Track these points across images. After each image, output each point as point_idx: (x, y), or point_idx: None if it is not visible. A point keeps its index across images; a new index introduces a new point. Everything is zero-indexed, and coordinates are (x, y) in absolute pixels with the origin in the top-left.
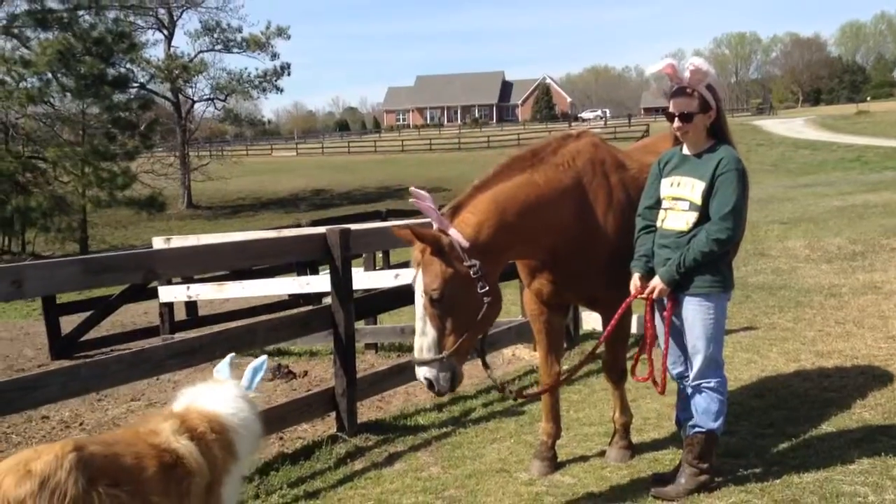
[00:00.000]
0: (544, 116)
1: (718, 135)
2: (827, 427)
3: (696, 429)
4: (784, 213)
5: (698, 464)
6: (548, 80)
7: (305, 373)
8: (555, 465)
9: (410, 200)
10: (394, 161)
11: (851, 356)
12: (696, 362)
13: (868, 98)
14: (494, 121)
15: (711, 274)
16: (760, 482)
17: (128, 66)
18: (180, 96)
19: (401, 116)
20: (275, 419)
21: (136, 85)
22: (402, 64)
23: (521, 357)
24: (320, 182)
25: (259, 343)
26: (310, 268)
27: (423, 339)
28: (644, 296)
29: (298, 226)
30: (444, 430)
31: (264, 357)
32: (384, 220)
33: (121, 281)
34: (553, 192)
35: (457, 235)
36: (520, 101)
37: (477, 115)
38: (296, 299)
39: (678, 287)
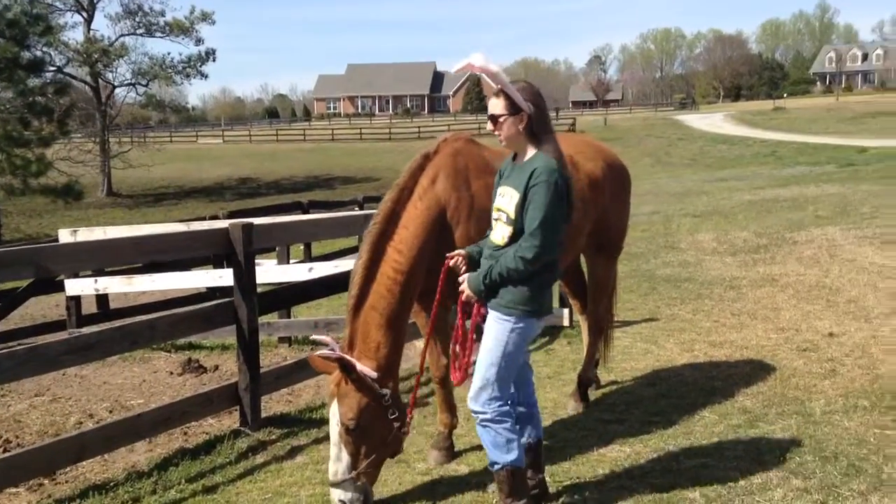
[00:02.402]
0: (475, 108)
1: (535, 140)
2: (710, 414)
3: (496, 466)
4: (698, 207)
5: (512, 502)
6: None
7: (216, 367)
8: (452, 454)
9: (321, 353)
10: (323, 150)
11: (742, 346)
12: (474, 379)
13: (785, 95)
14: (426, 111)
15: (516, 293)
16: (642, 468)
17: (44, 49)
18: (100, 81)
19: (331, 105)
20: (177, 414)
21: (52, 69)
22: (333, 52)
23: None
24: (247, 170)
25: (159, 338)
26: (227, 260)
27: (338, 464)
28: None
29: (216, 218)
30: None
31: None
32: (305, 212)
33: (12, 277)
34: (419, 251)
35: (364, 368)
36: (451, 92)
37: (408, 105)
38: (212, 292)
39: (486, 296)
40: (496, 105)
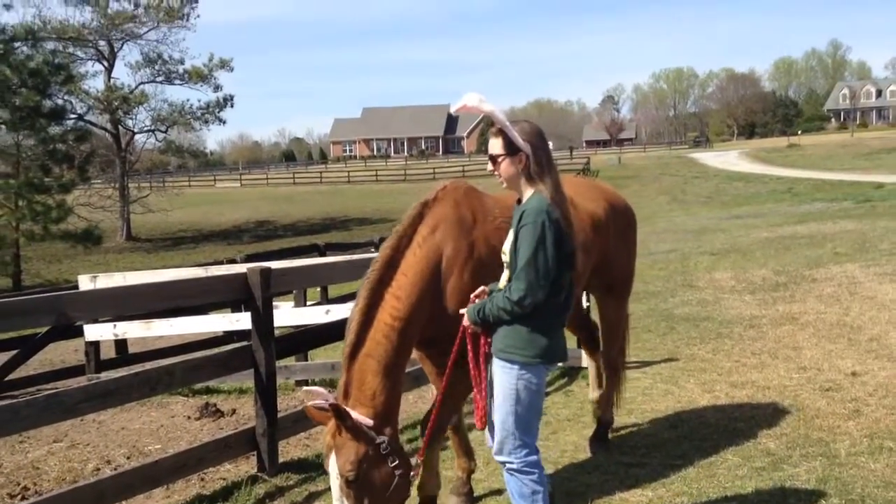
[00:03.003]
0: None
1: (534, 181)
2: (733, 457)
3: None
4: (715, 245)
5: None
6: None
7: (234, 411)
8: (471, 500)
9: (308, 403)
10: (339, 192)
11: (764, 386)
12: (496, 432)
13: (799, 132)
14: (440, 152)
15: (515, 338)
16: None
17: (65, 97)
18: (120, 128)
19: (347, 147)
20: (194, 460)
21: (73, 116)
22: (349, 96)
23: None
24: (264, 213)
25: (177, 384)
26: (245, 304)
27: None
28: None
29: (234, 261)
30: None
31: None
32: (322, 254)
33: (33, 324)
34: (418, 298)
35: (359, 416)
36: (465, 133)
37: (423, 146)
38: (229, 336)
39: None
40: (494, 145)
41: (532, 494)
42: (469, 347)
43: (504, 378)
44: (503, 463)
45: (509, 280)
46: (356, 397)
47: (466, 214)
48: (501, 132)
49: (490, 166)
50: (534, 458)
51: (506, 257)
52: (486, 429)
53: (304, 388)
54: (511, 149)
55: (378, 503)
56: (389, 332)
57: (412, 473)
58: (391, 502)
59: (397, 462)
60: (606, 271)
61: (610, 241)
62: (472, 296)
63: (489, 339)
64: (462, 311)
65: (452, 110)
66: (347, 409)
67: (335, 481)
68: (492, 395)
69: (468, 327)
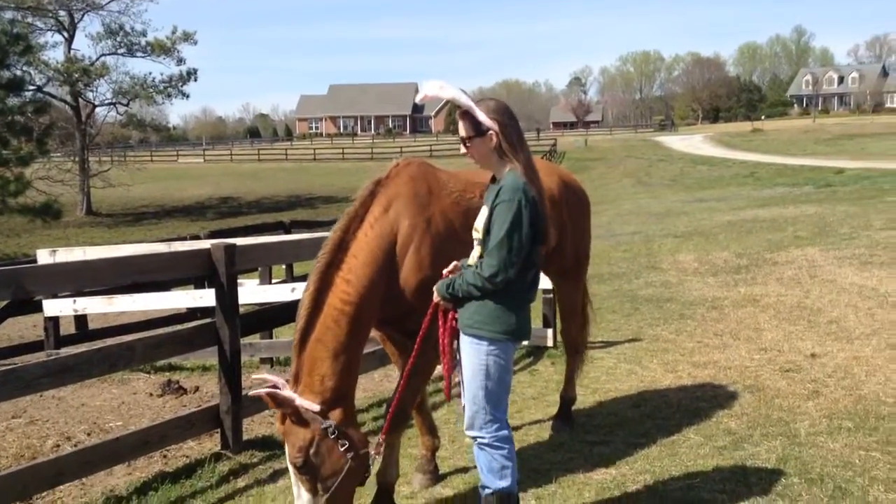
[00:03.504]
0: (457, 128)
1: (506, 159)
2: (695, 436)
3: (486, 490)
4: (679, 227)
5: None
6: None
7: (197, 388)
8: (436, 477)
9: (252, 392)
10: (305, 169)
11: (725, 367)
12: (466, 408)
13: (763, 117)
14: (408, 131)
15: (484, 314)
16: (628, 492)
17: (24, 68)
18: (80, 100)
19: (314, 125)
20: (157, 437)
21: (32, 88)
22: (315, 73)
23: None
24: (228, 190)
25: (139, 360)
26: (208, 281)
27: (300, 502)
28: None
29: (197, 237)
30: None
31: None
32: (287, 231)
33: None
34: (370, 281)
35: (304, 402)
36: (433, 113)
37: (391, 125)
38: (193, 313)
39: (459, 323)
40: (462, 128)
41: (501, 469)
42: (440, 322)
43: (473, 354)
44: (474, 438)
45: (480, 256)
46: (306, 383)
47: (421, 190)
48: (467, 114)
49: (462, 149)
50: (504, 433)
51: (478, 234)
52: (460, 404)
53: (253, 375)
54: (479, 129)
55: (331, 487)
56: (339, 316)
57: (372, 453)
58: (345, 485)
59: (347, 445)
60: (562, 252)
61: (565, 220)
62: (444, 271)
63: (456, 315)
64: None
65: (417, 99)
66: (293, 395)
67: (290, 465)
68: (459, 370)
69: (438, 303)
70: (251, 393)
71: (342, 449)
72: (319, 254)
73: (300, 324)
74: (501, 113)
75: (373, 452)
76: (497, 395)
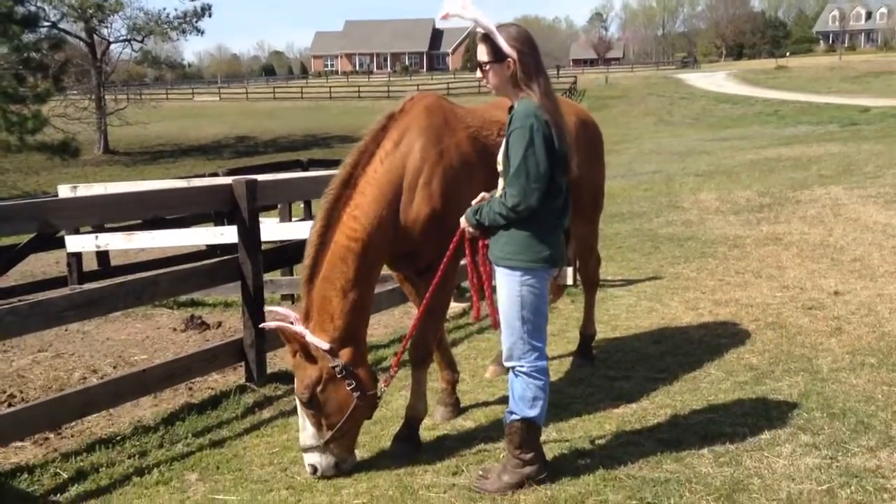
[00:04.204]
0: (474, 65)
1: (522, 87)
2: (716, 371)
3: (513, 416)
4: (700, 166)
5: (520, 454)
6: (479, 29)
7: (220, 324)
8: (457, 410)
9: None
10: (321, 108)
11: (747, 304)
12: (504, 340)
13: (788, 53)
14: (424, 69)
15: (515, 244)
16: (649, 425)
17: (38, 3)
18: (95, 37)
19: (329, 62)
20: (182, 370)
21: (47, 24)
22: (331, 8)
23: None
24: (244, 129)
25: (162, 295)
26: (228, 218)
27: (304, 434)
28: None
29: (216, 175)
30: None
31: None
32: (305, 169)
33: (14, 231)
34: (378, 218)
35: (314, 339)
36: (450, 50)
37: (407, 62)
38: (213, 250)
39: (492, 255)
40: (481, 52)
41: (533, 399)
42: (467, 251)
43: (507, 285)
44: (512, 367)
45: (505, 186)
46: (316, 321)
47: (436, 121)
48: (487, 38)
49: (479, 74)
50: (543, 363)
51: (500, 166)
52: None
53: (268, 308)
54: (498, 55)
55: (336, 423)
56: (346, 253)
57: (382, 386)
58: (350, 423)
59: (355, 385)
60: (576, 188)
61: (581, 158)
62: (473, 202)
63: (486, 242)
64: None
65: (437, 18)
66: (303, 331)
67: (297, 400)
68: (490, 301)
69: (465, 231)
70: (263, 325)
71: (349, 388)
72: (327, 190)
73: (307, 261)
74: (522, 41)
75: (382, 385)
76: (534, 325)
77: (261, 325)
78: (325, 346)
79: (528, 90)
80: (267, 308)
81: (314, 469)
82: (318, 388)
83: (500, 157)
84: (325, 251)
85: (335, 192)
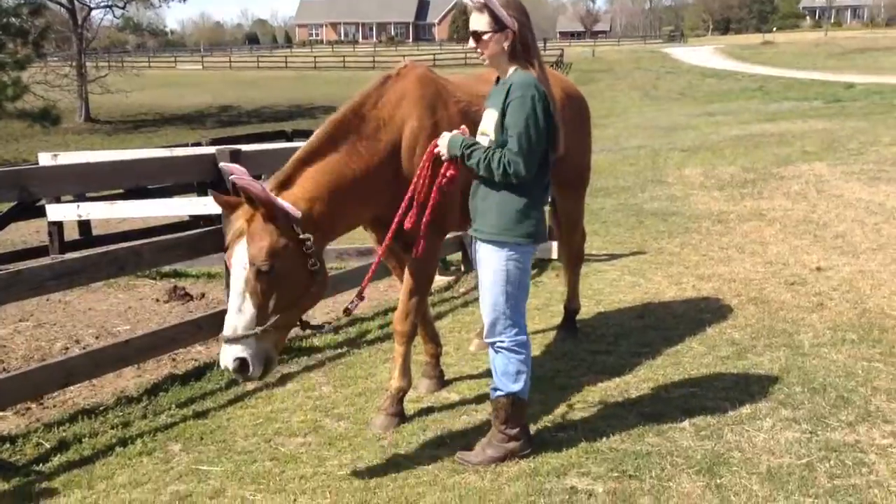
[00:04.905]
0: (461, 37)
1: (520, 59)
2: (698, 346)
3: (498, 392)
4: (686, 141)
5: (505, 430)
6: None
7: (203, 295)
8: (442, 382)
9: (232, 178)
10: (306, 78)
11: (730, 279)
12: (485, 315)
13: (774, 29)
14: (411, 39)
15: (505, 220)
16: (631, 398)
17: None
18: (76, 2)
19: (314, 31)
20: (165, 340)
21: None
22: None
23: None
24: (227, 98)
25: (146, 265)
26: (212, 187)
27: (240, 318)
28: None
29: (199, 145)
30: (340, 350)
31: None
32: (289, 140)
33: None
34: (376, 158)
35: (288, 206)
36: (437, 20)
37: (393, 32)
38: (195, 221)
39: (476, 230)
40: (479, 21)
41: (516, 374)
42: (426, 171)
43: (493, 260)
44: (493, 343)
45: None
46: (294, 192)
47: (429, 93)
48: (486, 7)
49: (472, 43)
50: (523, 338)
51: (485, 136)
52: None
53: (220, 165)
54: (498, 25)
55: (284, 306)
56: (345, 168)
57: (352, 303)
58: (298, 305)
59: (318, 266)
60: (562, 163)
61: (567, 130)
62: (453, 132)
63: (448, 170)
64: (440, 140)
65: None
66: (273, 197)
67: (240, 274)
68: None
69: (436, 153)
70: (233, 177)
71: (311, 268)
72: (332, 119)
73: (313, 142)
74: (521, 11)
75: (352, 304)
76: (516, 300)
77: (231, 177)
78: (297, 213)
79: (527, 63)
80: (222, 164)
81: (241, 364)
82: (282, 257)
83: (486, 127)
84: (332, 149)
85: (344, 115)
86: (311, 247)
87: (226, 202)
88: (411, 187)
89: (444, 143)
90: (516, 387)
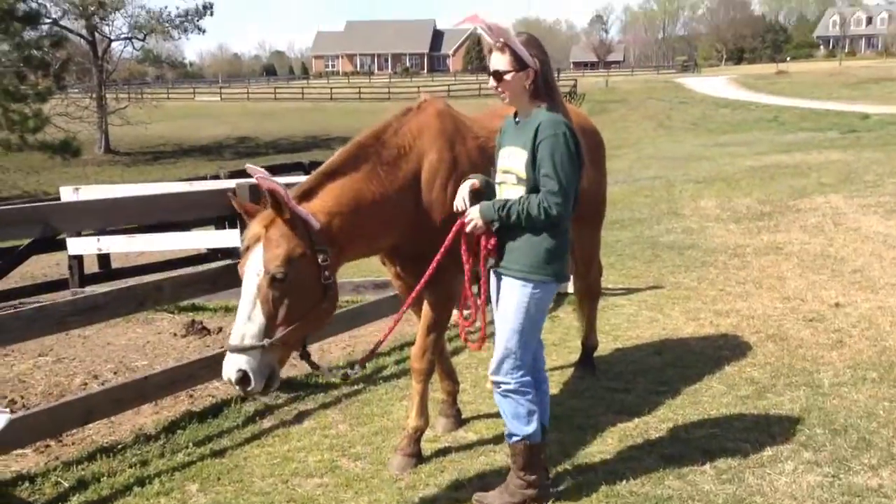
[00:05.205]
0: (475, 67)
1: (542, 97)
2: (718, 384)
3: (514, 437)
4: (700, 173)
5: (524, 475)
6: (479, 31)
7: (220, 329)
8: (459, 421)
9: (256, 177)
10: (322, 109)
11: (748, 316)
12: (496, 350)
13: (788, 58)
14: (425, 70)
15: (537, 258)
16: (650, 439)
17: (40, 1)
18: (96, 34)
19: (330, 63)
20: (183, 377)
21: (48, 21)
22: (332, 8)
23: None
24: (245, 129)
25: (166, 300)
26: (229, 221)
27: (248, 326)
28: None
29: (217, 177)
30: (355, 387)
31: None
32: (307, 172)
33: (17, 235)
34: (396, 185)
35: (309, 216)
36: (451, 51)
37: (408, 63)
38: (213, 253)
39: (502, 267)
40: (501, 61)
41: (528, 415)
42: (464, 253)
43: (517, 295)
44: (498, 384)
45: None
46: (315, 205)
47: (449, 128)
48: (508, 46)
49: (493, 82)
50: (528, 378)
51: (511, 175)
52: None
53: (247, 166)
54: (520, 64)
55: (294, 319)
56: (366, 188)
57: (367, 357)
58: (308, 326)
59: (330, 280)
60: (580, 196)
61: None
62: (467, 188)
63: (489, 242)
64: (470, 213)
65: (457, 23)
66: (295, 204)
67: (252, 280)
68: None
69: (466, 223)
70: (259, 176)
71: (325, 282)
72: (356, 141)
73: (336, 160)
74: (541, 50)
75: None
76: (529, 338)
77: (256, 177)
78: (317, 225)
79: (549, 100)
80: (248, 165)
81: (243, 377)
82: (298, 266)
83: (512, 166)
84: (353, 167)
85: (367, 139)
86: (327, 259)
87: (245, 209)
88: (461, 302)
89: (475, 216)
90: (530, 429)
